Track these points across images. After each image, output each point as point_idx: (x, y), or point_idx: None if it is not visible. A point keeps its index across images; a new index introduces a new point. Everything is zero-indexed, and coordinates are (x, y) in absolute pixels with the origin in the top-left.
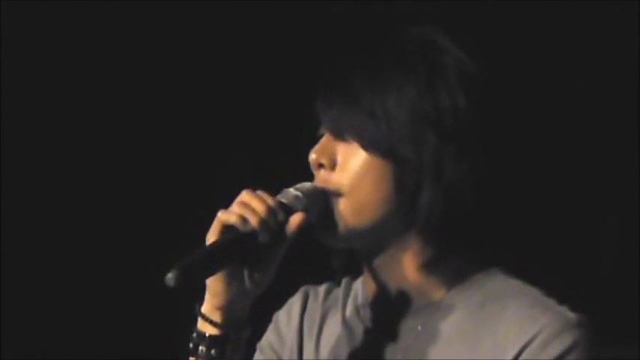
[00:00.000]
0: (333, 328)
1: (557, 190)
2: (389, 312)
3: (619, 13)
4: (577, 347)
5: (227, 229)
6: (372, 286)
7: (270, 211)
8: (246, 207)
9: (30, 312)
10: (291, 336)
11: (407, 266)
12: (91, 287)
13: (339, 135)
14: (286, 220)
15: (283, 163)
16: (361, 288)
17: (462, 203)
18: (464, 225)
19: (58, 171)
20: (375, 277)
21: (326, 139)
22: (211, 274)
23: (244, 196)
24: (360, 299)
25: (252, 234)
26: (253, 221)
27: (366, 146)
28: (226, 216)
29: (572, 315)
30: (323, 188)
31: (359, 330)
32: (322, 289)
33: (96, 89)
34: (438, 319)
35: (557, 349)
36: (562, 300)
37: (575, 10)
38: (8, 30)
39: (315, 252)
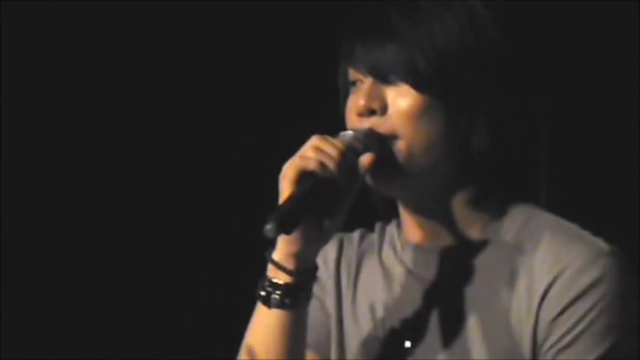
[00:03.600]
0: (371, 271)
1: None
2: (431, 251)
3: (619, 13)
4: (608, 276)
5: (304, 175)
6: (412, 227)
7: (344, 154)
8: (322, 152)
9: (30, 312)
10: (329, 282)
11: (453, 205)
12: (91, 287)
13: (385, 76)
14: (356, 163)
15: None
16: (396, 231)
17: (509, 141)
18: (509, 162)
19: (58, 171)
20: (418, 217)
21: (370, 84)
22: (302, 222)
23: (316, 141)
24: (396, 241)
25: (330, 179)
26: (331, 166)
27: (418, 86)
28: (304, 162)
29: (604, 245)
30: (378, 132)
31: (397, 271)
32: (356, 234)
33: (99, 89)
34: (476, 256)
35: (588, 277)
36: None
37: (575, 10)
38: (8, 30)
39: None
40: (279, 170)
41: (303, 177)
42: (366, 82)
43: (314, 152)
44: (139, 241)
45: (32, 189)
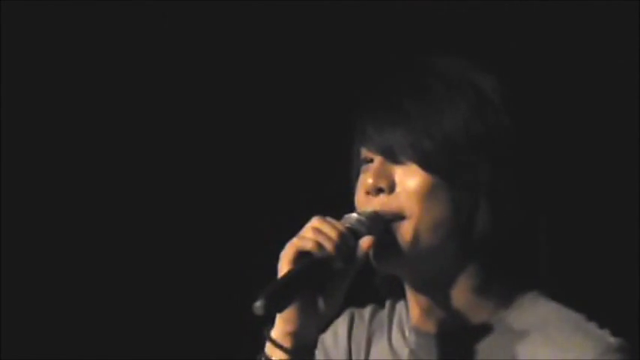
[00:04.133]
0: (381, 352)
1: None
2: (435, 337)
3: (619, 13)
4: None
5: (301, 255)
6: (417, 310)
7: (342, 236)
8: (320, 233)
9: (30, 312)
10: (339, 356)
11: (457, 289)
12: (91, 287)
13: (394, 157)
14: (356, 245)
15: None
16: (405, 311)
17: (514, 226)
18: (515, 247)
19: (59, 171)
20: (423, 300)
21: (379, 163)
22: (293, 301)
23: (316, 222)
24: (404, 323)
25: (327, 260)
26: (329, 247)
27: (425, 166)
28: (302, 242)
29: (612, 339)
30: (383, 212)
31: (405, 354)
32: (367, 311)
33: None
34: (483, 343)
35: None
36: (604, 324)
37: (574, 10)
38: (8, 30)
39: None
40: (279, 176)
41: (301, 257)
42: (376, 161)
43: (312, 233)
44: (139, 241)
45: (32, 189)
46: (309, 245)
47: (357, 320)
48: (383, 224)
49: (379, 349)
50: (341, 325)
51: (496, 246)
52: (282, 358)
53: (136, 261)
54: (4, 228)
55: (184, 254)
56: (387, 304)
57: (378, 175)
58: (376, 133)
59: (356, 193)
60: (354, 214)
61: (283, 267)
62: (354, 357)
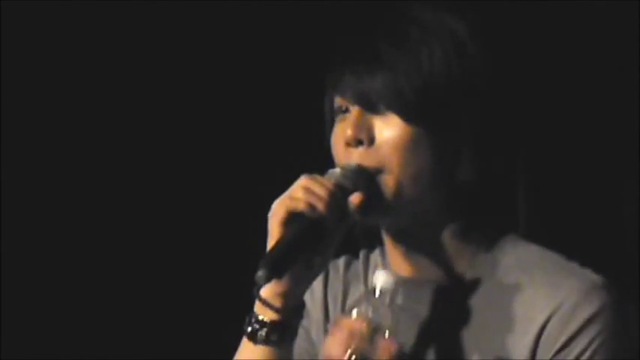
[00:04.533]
0: None
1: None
2: (415, 282)
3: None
4: (604, 310)
5: (293, 216)
6: (397, 257)
7: (333, 195)
8: (311, 192)
9: (30, 312)
10: (316, 311)
11: (439, 237)
12: (91, 287)
13: (372, 106)
14: (345, 202)
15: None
16: (380, 259)
17: (493, 170)
18: (495, 192)
19: (57, 171)
20: (404, 247)
21: (358, 114)
22: (293, 266)
23: (305, 181)
24: None
25: (319, 220)
26: (321, 207)
27: (405, 115)
28: (293, 203)
29: (596, 277)
30: (365, 166)
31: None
32: (341, 262)
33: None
34: (467, 291)
35: (585, 312)
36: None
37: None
38: (8, 30)
39: None
40: (276, 175)
41: (292, 218)
42: (354, 112)
43: (303, 193)
44: (138, 241)
45: (32, 189)
46: (300, 206)
47: (331, 273)
48: (366, 177)
49: (356, 296)
50: (316, 279)
51: (478, 193)
52: (273, 317)
53: (135, 259)
54: (4, 228)
55: (184, 254)
56: (361, 254)
57: (357, 127)
58: (353, 80)
59: (333, 144)
60: (338, 170)
61: (274, 229)
62: (330, 309)
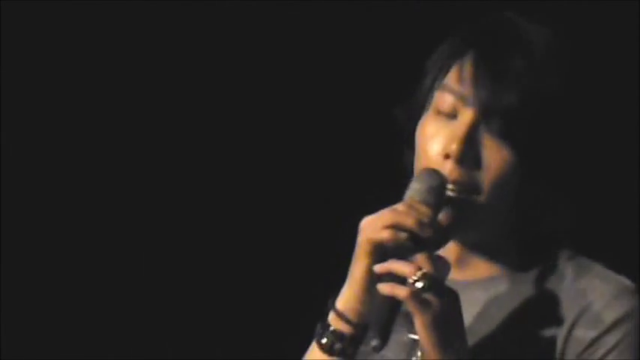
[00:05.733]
0: None
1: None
2: (465, 285)
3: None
4: (633, 312)
5: (380, 248)
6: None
7: (430, 220)
8: (415, 216)
9: (30, 312)
10: None
11: (499, 249)
12: (91, 287)
13: (490, 125)
14: (436, 222)
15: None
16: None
17: (563, 198)
18: (556, 214)
19: (57, 171)
20: (460, 253)
21: (471, 130)
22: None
23: (402, 208)
24: None
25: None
26: (425, 233)
27: (518, 145)
28: (393, 235)
29: (628, 282)
30: (460, 183)
31: None
32: None
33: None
34: (504, 290)
35: (613, 313)
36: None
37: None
38: (8, 30)
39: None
40: (281, 173)
41: (381, 250)
42: (466, 125)
43: (405, 219)
44: (138, 241)
45: (32, 189)
46: (402, 238)
47: None
48: (457, 198)
49: None
50: None
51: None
52: (349, 331)
53: (135, 260)
54: (4, 228)
55: (184, 254)
56: None
57: (466, 144)
58: (485, 93)
59: (424, 143)
60: (420, 185)
61: (362, 256)
62: None
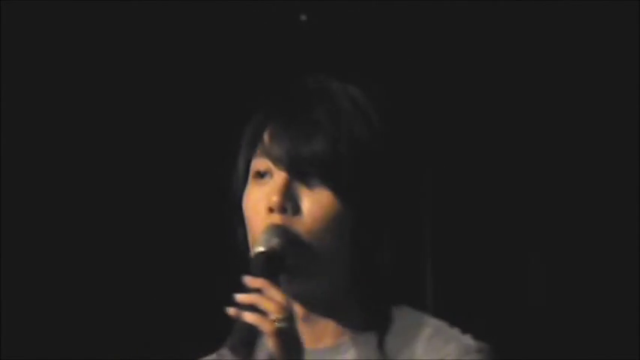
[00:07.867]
0: None
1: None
2: (314, 352)
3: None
4: None
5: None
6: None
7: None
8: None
9: (30, 312)
10: None
11: (341, 306)
12: (91, 287)
13: (302, 174)
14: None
15: None
16: None
17: (399, 251)
18: (396, 268)
19: (57, 171)
20: (312, 319)
21: (285, 181)
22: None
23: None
24: None
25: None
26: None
27: (337, 185)
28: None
29: (472, 342)
30: (288, 232)
31: None
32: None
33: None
34: (351, 357)
35: None
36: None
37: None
38: (8, 30)
39: None
40: None
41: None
42: (280, 178)
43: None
44: (137, 241)
45: (32, 189)
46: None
47: None
48: (290, 244)
49: None
50: None
51: (385, 269)
52: None
53: (135, 260)
54: (4, 228)
55: (184, 254)
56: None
57: (284, 194)
58: (287, 145)
59: (250, 206)
60: (268, 237)
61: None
62: None
